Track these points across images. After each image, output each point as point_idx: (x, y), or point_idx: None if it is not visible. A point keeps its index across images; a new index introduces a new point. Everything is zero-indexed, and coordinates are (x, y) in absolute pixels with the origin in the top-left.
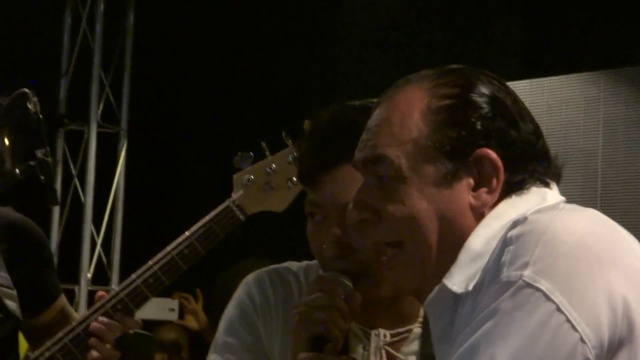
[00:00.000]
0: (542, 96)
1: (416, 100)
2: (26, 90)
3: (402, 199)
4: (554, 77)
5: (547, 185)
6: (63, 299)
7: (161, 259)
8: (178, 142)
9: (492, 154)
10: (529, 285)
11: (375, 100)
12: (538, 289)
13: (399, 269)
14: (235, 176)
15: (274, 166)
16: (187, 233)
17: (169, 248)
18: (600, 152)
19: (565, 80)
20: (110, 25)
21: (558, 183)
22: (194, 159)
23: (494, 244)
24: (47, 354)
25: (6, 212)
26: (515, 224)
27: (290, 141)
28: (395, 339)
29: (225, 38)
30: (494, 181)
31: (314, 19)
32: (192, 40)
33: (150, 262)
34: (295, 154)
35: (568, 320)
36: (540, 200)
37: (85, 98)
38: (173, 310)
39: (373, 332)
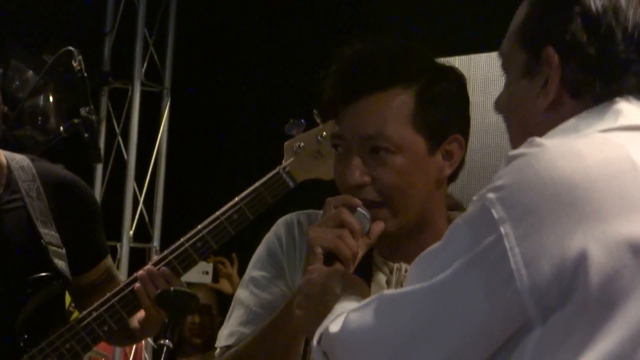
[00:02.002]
0: None
1: None
2: (71, 48)
3: (505, 89)
4: None
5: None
6: (109, 260)
7: (210, 223)
8: (221, 101)
9: (550, 51)
10: (486, 208)
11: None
12: (492, 215)
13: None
14: (286, 143)
15: (325, 134)
16: (236, 198)
17: (218, 213)
18: None
19: None
20: None
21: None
22: (237, 119)
23: None
24: (94, 314)
25: (56, 170)
26: (527, 142)
27: None
28: None
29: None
30: (550, 80)
31: None
32: None
33: (199, 227)
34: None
35: (507, 254)
36: (611, 121)
37: (129, 57)
38: (207, 273)
39: (395, 266)
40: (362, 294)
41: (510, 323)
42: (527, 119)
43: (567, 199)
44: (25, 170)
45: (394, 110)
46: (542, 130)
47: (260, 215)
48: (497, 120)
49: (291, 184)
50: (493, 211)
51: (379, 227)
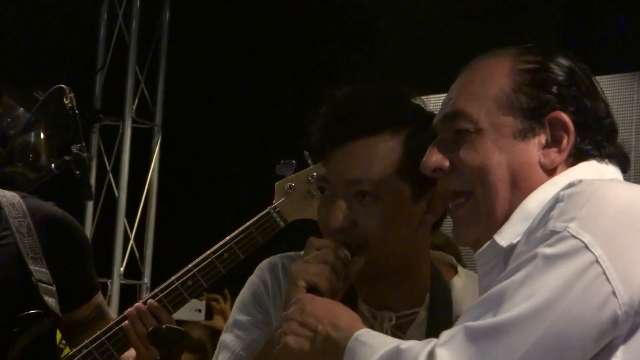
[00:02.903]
0: None
1: (500, 63)
2: (63, 85)
3: (476, 148)
4: None
5: (608, 162)
6: (100, 297)
7: (200, 262)
8: (211, 138)
9: (566, 118)
10: (572, 236)
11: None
12: (580, 240)
13: (464, 218)
14: (277, 183)
15: (315, 174)
16: (227, 237)
17: (208, 252)
18: (633, 153)
19: (599, 81)
20: (146, 21)
21: (623, 166)
22: (228, 156)
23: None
24: (84, 351)
25: (47, 208)
26: (569, 185)
27: None
28: (401, 320)
29: (263, 34)
30: (564, 142)
31: (355, 24)
32: (228, 36)
33: (189, 265)
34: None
35: (604, 273)
36: (597, 176)
37: (121, 94)
38: (200, 311)
39: (379, 314)
40: (361, 325)
41: (605, 338)
42: (520, 176)
43: (636, 221)
44: (16, 207)
45: (381, 156)
46: (535, 185)
47: (252, 253)
48: None
49: (282, 223)
50: (581, 237)
51: (357, 265)
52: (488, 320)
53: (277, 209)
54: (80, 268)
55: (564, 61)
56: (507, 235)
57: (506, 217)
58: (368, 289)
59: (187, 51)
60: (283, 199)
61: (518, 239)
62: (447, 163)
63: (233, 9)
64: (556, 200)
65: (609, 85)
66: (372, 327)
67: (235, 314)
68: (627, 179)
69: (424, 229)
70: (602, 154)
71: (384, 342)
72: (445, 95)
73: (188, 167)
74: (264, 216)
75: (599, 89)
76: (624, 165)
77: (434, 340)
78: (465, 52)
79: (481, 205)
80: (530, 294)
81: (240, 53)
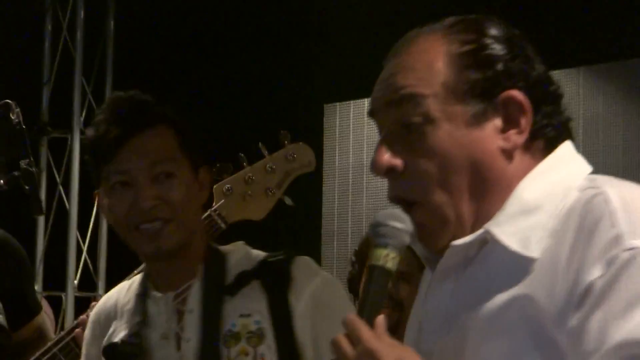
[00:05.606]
0: None
1: (436, 46)
2: (8, 101)
3: (431, 147)
4: None
5: (566, 135)
6: (41, 318)
7: None
8: None
9: (519, 95)
10: None
11: None
12: None
13: (428, 228)
14: (215, 186)
15: (251, 175)
16: None
17: None
18: (580, 149)
19: None
20: (91, 32)
21: (571, 136)
22: None
23: (554, 200)
24: None
25: None
26: (603, 194)
27: (267, 152)
28: (180, 298)
29: (205, 45)
30: (523, 121)
31: (302, 22)
32: (173, 45)
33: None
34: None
35: None
36: (581, 161)
37: (68, 106)
38: None
39: (166, 297)
40: None
41: None
42: (484, 167)
43: None
44: None
45: None
46: (501, 173)
47: None
48: None
49: (223, 225)
50: None
51: None
52: None
53: (217, 212)
54: (21, 288)
55: (499, 32)
56: (509, 229)
57: (477, 212)
58: (161, 272)
59: (134, 60)
60: (223, 200)
61: (538, 247)
62: (399, 162)
63: (177, 16)
64: (606, 214)
65: None
66: (158, 311)
67: None
68: None
69: None
70: (554, 124)
71: None
72: None
73: None
74: (206, 218)
75: (535, 53)
76: (571, 134)
77: None
78: None
79: (447, 213)
80: None
81: (187, 59)
